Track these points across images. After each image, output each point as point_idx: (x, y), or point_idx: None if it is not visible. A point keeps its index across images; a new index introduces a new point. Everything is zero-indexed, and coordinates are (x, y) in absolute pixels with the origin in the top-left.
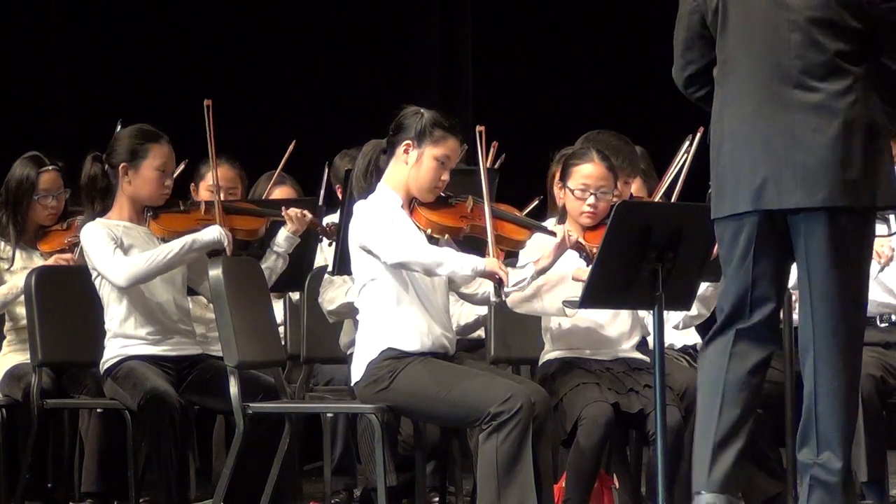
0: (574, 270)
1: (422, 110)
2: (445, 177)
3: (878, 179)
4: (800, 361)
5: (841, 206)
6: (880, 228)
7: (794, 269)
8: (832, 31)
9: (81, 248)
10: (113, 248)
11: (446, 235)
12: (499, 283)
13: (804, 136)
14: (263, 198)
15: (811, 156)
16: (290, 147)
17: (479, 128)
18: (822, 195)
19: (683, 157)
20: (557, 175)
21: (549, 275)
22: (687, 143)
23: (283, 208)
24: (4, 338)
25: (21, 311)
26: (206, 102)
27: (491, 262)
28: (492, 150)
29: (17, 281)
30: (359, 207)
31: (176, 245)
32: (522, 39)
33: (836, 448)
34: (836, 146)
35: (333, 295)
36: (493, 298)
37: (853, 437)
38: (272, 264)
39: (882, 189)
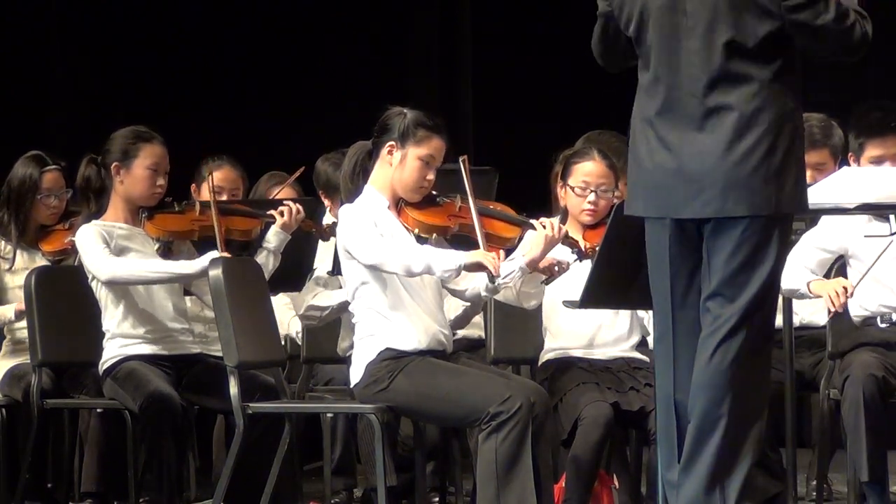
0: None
1: (405, 110)
2: (431, 176)
3: (784, 186)
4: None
5: (743, 215)
6: (881, 228)
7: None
8: (731, 36)
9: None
10: (103, 248)
11: (434, 235)
12: (490, 275)
13: (701, 144)
14: (263, 198)
15: (707, 164)
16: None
17: (462, 158)
18: (716, 205)
19: None
20: (560, 175)
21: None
22: None
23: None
24: (4, 338)
25: None
26: (208, 171)
27: (477, 254)
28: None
29: (15, 307)
30: (344, 211)
31: (169, 268)
32: (522, 39)
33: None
34: (732, 155)
35: (303, 301)
36: (483, 293)
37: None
38: (263, 261)
39: (787, 196)
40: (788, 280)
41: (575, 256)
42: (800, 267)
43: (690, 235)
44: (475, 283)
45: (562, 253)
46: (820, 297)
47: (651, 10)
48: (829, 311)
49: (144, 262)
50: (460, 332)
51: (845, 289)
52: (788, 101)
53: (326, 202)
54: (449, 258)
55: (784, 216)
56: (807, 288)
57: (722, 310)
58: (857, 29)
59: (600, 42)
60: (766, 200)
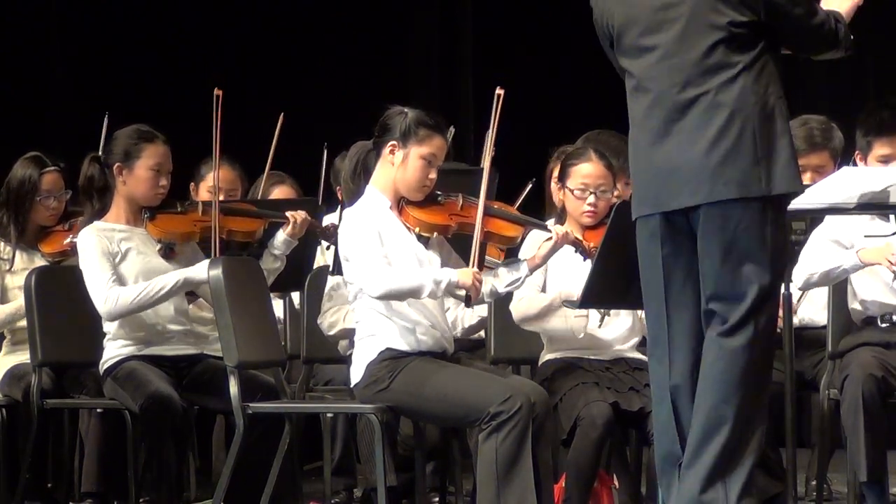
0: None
1: (406, 110)
2: (433, 175)
3: (772, 167)
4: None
5: (731, 198)
6: (882, 227)
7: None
8: (708, 26)
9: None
10: (107, 271)
11: (435, 234)
12: (467, 297)
13: (687, 134)
14: (262, 197)
15: (693, 153)
16: (280, 121)
17: (499, 90)
18: (704, 191)
19: None
20: (555, 172)
21: (555, 296)
22: None
23: (287, 210)
24: (4, 338)
25: None
26: (216, 92)
27: (464, 275)
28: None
29: (21, 301)
30: (347, 215)
31: (169, 282)
32: (522, 39)
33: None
34: (719, 140)
35: (333, 320)
36: (486, 298)
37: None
38: (269, 266)
39: (777, 176)
40: (822, 263)
41: (580, 256)
42: (823, 255)
43: (681, 230)
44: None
45: (567, 255)
46: (874, 264)
47: (628, 10)
48: (894, 275)
49: (146, 286)
50: (459, 332)
51: None
52: (769, 87)
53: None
54: (444, 277)
55: (776, 202)
56: (856, 259)
57: (725, 309)
58: (827, 27)
59: (604, 48)
60: (755, 181)
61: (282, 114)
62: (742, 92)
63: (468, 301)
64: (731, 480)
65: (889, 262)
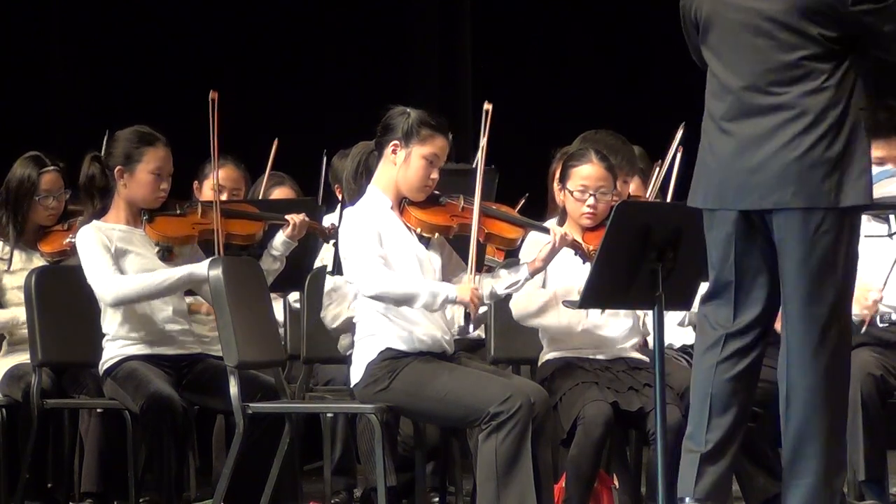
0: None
1: (408, 110)
2: (435, 175)
3: (844, 180)
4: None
5: (801, 206)
6: (880, 228)
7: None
8: (797, 34)
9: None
10: (107, 261)
11: (436, 234)
12: (467, 315)
13: (765, 138)
14: (262, 198)
15: (770, 158)
16: (274, 145)
17: (486, 105)
18: (776, 197)
19: (674, 152)
20: (557, 174)
21: (554, 291)
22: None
23: (287, 213)
24: (4, 338)
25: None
26: (211, 95)
27: (463, 291)
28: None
29: (16, 312)
30: (348, 214)
31: (173, 275)
32: (522, 39)
33: (810, 458)
34: (794, 149)
35: (336, 312)
36: (486, 300)
37: (836, 442)
38: (268, 267)
39: (847, 189)
40: None
41: (579, 259)
42: None
43: (756, 228)
44: (481, 290)
45: (567, 257)
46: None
47: (716, 7)
48: (863, 324)
49: (150, 277)
50: (457, 329)
51: (874, 300)
52: (852, 97)
53: (341, 196)
54: (440, 293)
55: (850, 211)
56: None
57: (807, 311)
58: None
59: (685, 34)
60: (825, 193)
61: (276, 140)
62: (825, 103)
63: (468, 319)
64: (836, 483)
65: (865, 311)
